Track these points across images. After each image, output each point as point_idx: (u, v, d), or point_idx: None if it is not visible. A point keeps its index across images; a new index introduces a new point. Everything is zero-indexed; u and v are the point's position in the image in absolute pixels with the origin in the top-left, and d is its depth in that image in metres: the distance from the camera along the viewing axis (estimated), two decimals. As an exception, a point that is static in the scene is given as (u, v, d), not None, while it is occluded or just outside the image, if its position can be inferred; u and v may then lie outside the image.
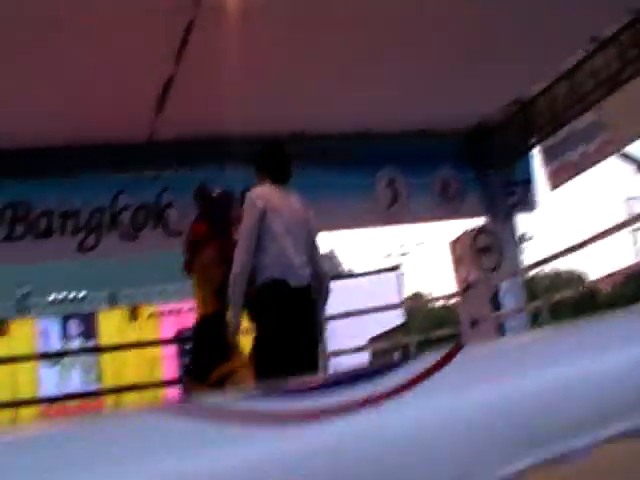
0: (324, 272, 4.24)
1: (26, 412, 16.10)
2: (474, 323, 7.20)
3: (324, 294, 4.13)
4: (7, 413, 13.16)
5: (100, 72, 5.61)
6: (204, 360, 4.55)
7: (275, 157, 4.31)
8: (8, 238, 6.39)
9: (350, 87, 6.69)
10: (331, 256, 26.20)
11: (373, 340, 15.34)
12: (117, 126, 6.41)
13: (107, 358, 18.65)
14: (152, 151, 6.96)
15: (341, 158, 7.77)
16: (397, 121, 7.64)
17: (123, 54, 5.43)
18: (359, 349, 8.35)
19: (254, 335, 3.99)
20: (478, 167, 8.53)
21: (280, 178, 4.20)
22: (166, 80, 5.89)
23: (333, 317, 6.56)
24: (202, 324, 4.68)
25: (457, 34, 6.04)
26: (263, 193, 4.05)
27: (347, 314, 7.44)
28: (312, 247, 4.13)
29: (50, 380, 19.22)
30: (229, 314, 3.95)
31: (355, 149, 7.81)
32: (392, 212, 8.13)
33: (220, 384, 4.30)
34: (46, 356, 18.23)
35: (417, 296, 23.69)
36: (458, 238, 8.28)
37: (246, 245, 3.87)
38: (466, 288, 7.60)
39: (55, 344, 19.90)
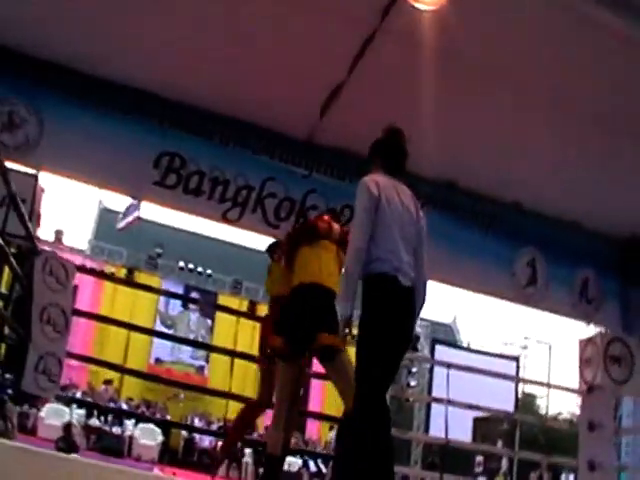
0: (426, 279, 3.86)
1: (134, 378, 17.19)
2: (592, 427, 6.97)
3: (420, 302, 3.81)
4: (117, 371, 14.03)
5: (278, 58, 5.85)
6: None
7: (392, 145, 4.03)
8: (160, 183, 6.72)
9: (513, 153, 6.64)
10: (452, 324, 25.72)
11: (477, 421, 15.01)
12: (281, 115, 6.67)
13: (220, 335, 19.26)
14: (308, 151, 7.12)
15: (488, 221, 7.64)
16: (551, 204, 7.50)
17: (302, 50, 5.65)
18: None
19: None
20: (623, 278, 8.17)
21: (394, 168, 3.96)
22: (336, 86, 6.03)
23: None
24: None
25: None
26: (378, 180, 3.81)
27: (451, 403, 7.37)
28: (420, 248, 3.82)
29: (163, 345, 20.25)
30: (339, 307, 3.73)
31: (504, 216, 7.68)
32: (528, 292, 7.90)
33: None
34: (163, 335, 19.12)
35: (530, 396, 22.66)
36: (590, 338, 7.91)
37: (362, 232, 3.62)
38: (590, 389, 7.41)
39: (174, 308, 20.92)
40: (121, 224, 17.30)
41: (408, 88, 5.68)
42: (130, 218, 16.99)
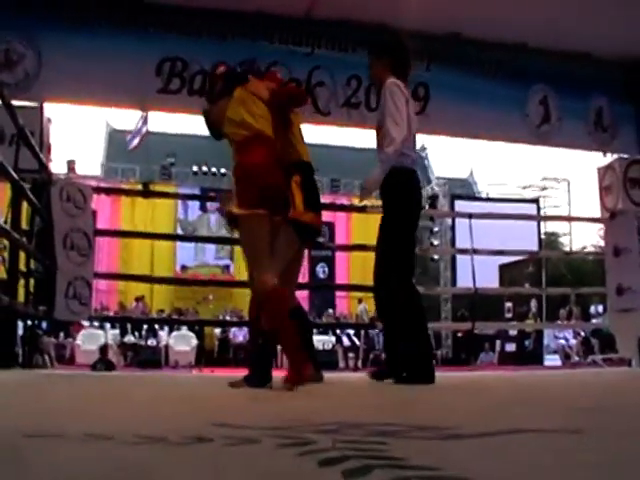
0: None
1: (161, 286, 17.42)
2: (617, 252, 7.14)
3: None
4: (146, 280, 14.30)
5: None
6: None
7: (404, 53, 4.41)
8: (164, 90, 6.70)
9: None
10: (469, 178, 25.77)
11: (503, 268, 15.33)
12: None
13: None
14: (308, 27, 7.01)
15: (495, 67, 7.57)
16: (555, 38, 7.32)
17: None
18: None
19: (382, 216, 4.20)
20: (636, 102, 8.07)
21: (405, 73, 4.34)
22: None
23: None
24: None
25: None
26: (400, 84, 4.18)
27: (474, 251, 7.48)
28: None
29: (187, 251, 20.61)
30: (375, 178, 4.06)
31: (510, 60, 7.57)
32: (543, 131, 7.89)
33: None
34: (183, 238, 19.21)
35: (554, 235, 22.97)
36: (609, 165, 7.96)
37: (404, 127, 4.06)
38: (612, 216, 7.55)
39: (193, 213, 21.18)
40: (133, 143, 17.23)
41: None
42: (139, 136, 16.91)
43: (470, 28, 7.18)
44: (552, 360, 14.13)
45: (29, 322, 5.76)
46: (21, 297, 5.48)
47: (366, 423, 1.58)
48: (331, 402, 2.79)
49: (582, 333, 14.26)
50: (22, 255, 5.40)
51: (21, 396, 2.67)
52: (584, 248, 22.70)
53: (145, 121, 16.79)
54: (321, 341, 14.24)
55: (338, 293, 18.63)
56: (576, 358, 13.59)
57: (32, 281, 5.78)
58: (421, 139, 23.97)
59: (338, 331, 15.55)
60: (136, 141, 17.01)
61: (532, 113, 7.82)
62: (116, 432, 1.27)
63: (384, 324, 4.45)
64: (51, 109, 6.80)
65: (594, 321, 14.87)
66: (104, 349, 11.75)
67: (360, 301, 17.01)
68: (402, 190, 4.13)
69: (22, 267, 5.47)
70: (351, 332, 15.36)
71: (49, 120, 6.79)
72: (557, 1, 6.59)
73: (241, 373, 3.78)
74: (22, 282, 5.53)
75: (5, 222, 5.06)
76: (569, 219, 16.74)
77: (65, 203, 5.85)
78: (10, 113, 4.69)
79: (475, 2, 6.61)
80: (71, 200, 5.92)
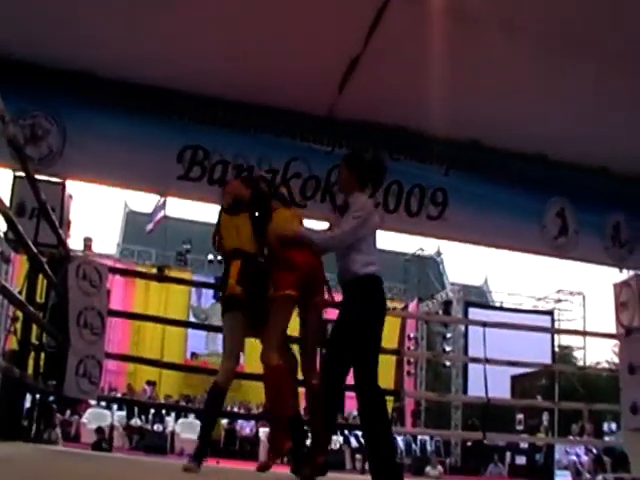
0: None
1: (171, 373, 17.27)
2: (632, 370, 7.03)
3: None
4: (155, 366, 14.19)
5: (291, 37, 5.84)
6: None
7: (380, 175, 4.78)
8: (185, 177, 6.78)
9: (535, 107, 6.61)
10: (483, 286, 25.69)
11: (515, 379, 15.07)
12: (299, 94, 6.64)
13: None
14: (329, 126, 7.13)
15: (514, 176, 7.63)
16: (574, 151, 7.44)
17: (315, 24, 5.63)
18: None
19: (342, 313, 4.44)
20: (653, 218, 8.10)
21: (375, 191, 5.05)
22: (352, 58, 6.01)
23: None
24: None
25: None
26: (369, 204, 4.66)
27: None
28: None
29: (198, 339, 20.48)
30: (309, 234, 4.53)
31: (529, 171, 7.65)
32: (559, 243, 7.89)
33: None
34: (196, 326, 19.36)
35: (567, 348, 22.65)
36: (625, 281, 7.94)
37: (350, 236, 4.38)
38: (628, 333, 7.52)
39: (207, 301, 21.14)
40: (149, 226, 17.47)
41: (424, 53, 5.66)
42: (157, 219, 17.16)
43: (490, 136, 7.29)
44: (563, 476, 13.72)
45: (37, 396, 5.71)
46: (30, 370, 5.42)
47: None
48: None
49: (594, 450, 13.85)
50: (35, 328, 5.37)
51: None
52: (598, 364, 22.30)
53: (163, 206, 17.07)
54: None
55: (347, 392, 18.28)
56: (587, 475, 13.18)
57: (43, 355, 5.75)
58: (437, 244, 24.11)
59: (346, 432, 15.19)
60: (153, 224, 17.25)
61: (549, 225, 7.84)
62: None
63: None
64: (71, 185, 6.90)
65: (607, 439, 14.48)
66: (101, 430, 11.49)
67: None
68: (371, 294, 4.35)
69: (34, 340, 5.44)
70: (359, 433, 15.02)
71: (70, 197, 6.88)
72: (574, 115, 6.68)
73: (247, 466, 3.77)
74: (33, 355, 5.49)
75: (20, 294, 5.05)
76: (584, 333, 16.54)
77: (81, 281, 5.88)
78: (33, 187, 4.74)
79: (495, 111, 6.73)
80: (87, 278, 5.95)
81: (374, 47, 5.76)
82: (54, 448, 5.16)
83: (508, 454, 15.35)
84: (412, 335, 18.62)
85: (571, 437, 14.04)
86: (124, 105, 6.63)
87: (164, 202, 17.28)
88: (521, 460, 15.15)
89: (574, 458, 13.95)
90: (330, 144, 7.15)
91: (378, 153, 4.92)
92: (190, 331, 19.87)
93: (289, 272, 4.28)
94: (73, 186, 7.05)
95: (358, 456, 14.57)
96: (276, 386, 4.17)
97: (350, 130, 7.14)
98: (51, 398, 6.55)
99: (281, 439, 4.15)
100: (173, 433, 15.27)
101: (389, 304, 16.94)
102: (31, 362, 5.47)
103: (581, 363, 21.70)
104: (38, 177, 5.21)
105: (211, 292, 20.49)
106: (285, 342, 4.52)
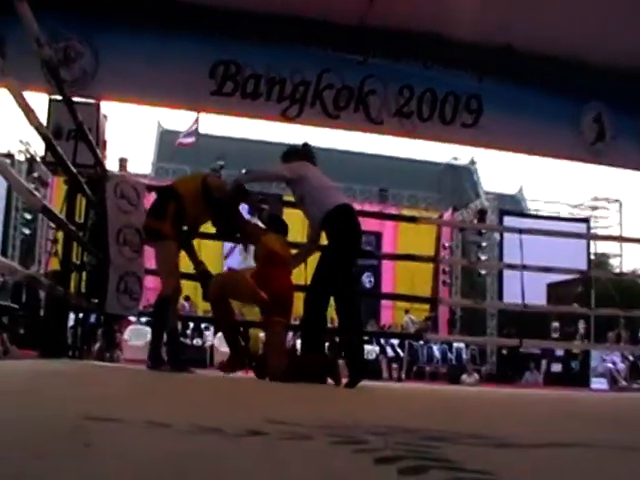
0: None
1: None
2: None
3: None
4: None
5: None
6: None
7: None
8: (218, 92, 6.79)
9: (568, 9, 6.43)
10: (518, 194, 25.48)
11: (551, 287, 15.09)
12: (330, 4, 6.59)
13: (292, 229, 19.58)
14: (361, 36, 7.03)
15: (548, 81, 7.48)
16: (611, 56, 7.26)
17: None
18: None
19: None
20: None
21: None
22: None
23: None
24: None
25: None
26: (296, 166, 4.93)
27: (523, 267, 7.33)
28: None
29: (233, 256, 20.76)
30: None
31: (564, 76, 7.49)
32: (596, 149, 7.81)
33: None
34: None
35: (604, 256, 22.53)
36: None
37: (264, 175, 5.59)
38: None
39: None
40: (183, 141, 17.51)
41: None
42: (189, 138, 17.19)
43: (523, 41, 7.14)
44: (599, 383, 13.83)
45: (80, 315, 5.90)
46: (73, 289, 5.57)
47: (415, 428, 1.57)
48: (378, 408, 2.78)
49: (630, 357, 13.94)
50: (75, 248, 5.48)
51: (82, 384, 2.72)
52: (635, 271, 22.15)
53: (196, 122, 17.06)
54: (365, 350, 14.14)
55: (383, 303, 18.46)
56: (623, 382, 13.28)
57: (84, 274, 5.88)
58: (470, 153, 23.84)
59: (382, 341, 15.43)
60: (187, 140, 17.28)
61: (586, 130, 7.73)
62: (173, 421, 1.29)
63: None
64: (105, 106, 6.96)
65: (644, 346, 14.48)
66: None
67: (407, 312, 16.89)
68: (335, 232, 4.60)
69: (75, 259, 5.56)
70: (395, 342, 15.25)
71: (105, 117, 6.92)
72: (613, 18, 6.52)
73: None
74: (74, 275, 5.62)
75: (60, 214, 5.15)
76: (620, 239, 16.34)
77: (119, 199, 5.93)
78: (69, 108, 4.77)
79: (528, 15, 6.58)
80: (125, 197, 5.99)
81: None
82: (105, 364, 5.39)
83: (544, 362, 15.46)
84: (447, 244, 18.62)
85: (607, 344, 14.10)
86: (155, 24, 6.63)
87: (197, 119, 17.27)
88: (557, 368, 15.24)
89: (610, 365, 14.02)
90: (362, 53, 7.07)
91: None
92: (226, 247, 20.08)
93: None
94: (107, 107, 7.10)
95: (394, 365, 14.84)
96: None
97: (382, 39, 7.05)
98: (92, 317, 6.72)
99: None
100: (212, 347, 15.66)
101: (424, 213, 16.94)
102: (73, 282, 5.59)
103: (617, 270, 21.63)
104: (73, 99, 5.25)
105: (246, 207, 20.68)
106: None
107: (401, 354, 15.00)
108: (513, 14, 6.58)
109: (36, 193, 5.12)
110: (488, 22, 6.55)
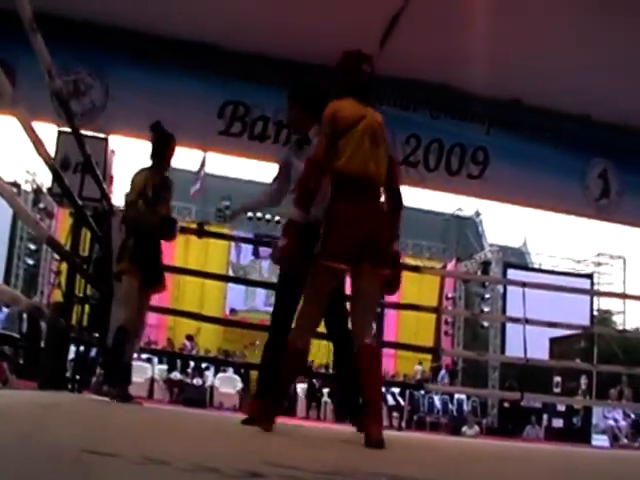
0: None
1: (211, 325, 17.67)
2: None
3: None
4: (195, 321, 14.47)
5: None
6: None
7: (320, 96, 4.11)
8: (225, 132, 6.83)
9: (578, 66, 6.51)
10: (522, 247, 25.47)
11: (553, 342, 14.99)
12: (339, 51, 6.60)
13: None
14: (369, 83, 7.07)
15: (555, 136, 7.53)
16: (618, 112, 7.31)
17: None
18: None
19: None
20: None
21: None
22: (394, 15, 5.98)
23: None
24: None
25: None
26: None
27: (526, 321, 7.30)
28: None
29: (237, 295, 20.69)
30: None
31: (571, 131, 7.54)
32: (601, 205, 7.81)
33: None
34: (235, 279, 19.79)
35: (607, 313, 22.42)
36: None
37: None
38: None
39: (246, 258, 21.33)
40: (193, 189, 17.66)
41: (465, 10, 5.58)
42: (197, 184, 17.34)
43: (531, 95, 7.22)
44: (600, 440, 13.65)
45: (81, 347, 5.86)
46: (74, 321, 5.54)
47: (413, 477, 1.54)
48: (377, 455, 2.73)
49: (632, 415, 13.77)
50: (79, 281, 5.47)
51: (81, 417, 2.68)
52: (638, 329, 21.99)
53: (203, 164, 17.18)
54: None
55: (385, 351, 18.35)
56: (625, 440, 13.10)
57: (87, 307, 5.86)
58: (475, 205, 23.92)
59: (383, 389, 15.30)
60: (197, 187, 17.42)
61: (591, 186, 7.74)
62: (172, 459, 1.26)
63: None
64: (114, 142, 7.01)
65: (646, 404, 14.31)
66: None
67: (420, 363, 16.92)
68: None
69: (78, 292, 5.54)
70: (396, 391, 15.13)
71: (113, 152, 6.95)
72: (620, 75, 6.56)
73: (283, 421, 3.77)
74: (77, 308, 5.60)
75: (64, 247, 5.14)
76: (624, 296, 16.30)
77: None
78: (78, 141, 4.79)
79: (537, 70, 6.65)
80: (130, 232, 5.99)
81: (415, 3, 5.70)
82: (98, 397, 5.31)
83: (545, 416, 15.30)
84: (450, 295, 18.57)
85: (609, 401, 13.95)
86: (165, 61, 6.70)
87: (204, 160, 17.39)
88: (558, 423, 15.08)
89: (612, 422, 13.86)
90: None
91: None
92: (229, 287, 20.05)
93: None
94: (116, 142, 7.16)
95: (395, 414, 14.69)
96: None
97: (390, 87, 7.08)
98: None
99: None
100: (212, 387, 15.57)
101: (428, 263, 16.93)
102: (75, 314, 5.55)
103: (621, 327, 21.50)
104: (82, 132, 5.28)
105: (250, 248, 20.65)
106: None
107: (402, 403, 14.87)
108: (522, 68, 6.65)
109: (42, 224, 5.11)
110: (497, 75, 6.60)
